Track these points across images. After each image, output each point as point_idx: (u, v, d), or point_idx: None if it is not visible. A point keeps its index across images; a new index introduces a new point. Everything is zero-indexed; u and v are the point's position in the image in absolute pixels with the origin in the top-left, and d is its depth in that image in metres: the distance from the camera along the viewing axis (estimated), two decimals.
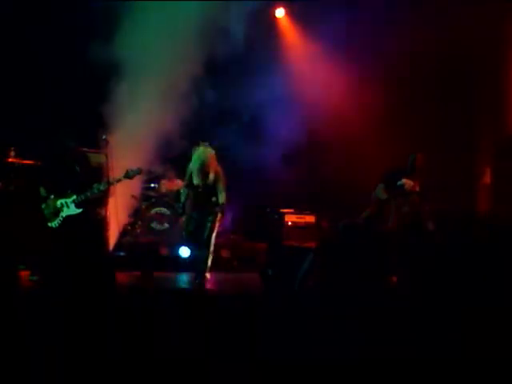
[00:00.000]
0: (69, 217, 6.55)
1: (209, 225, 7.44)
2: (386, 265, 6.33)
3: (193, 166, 7.50)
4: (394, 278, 6.40)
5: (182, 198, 7.65)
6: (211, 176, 7.41)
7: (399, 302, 5.40)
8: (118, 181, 6.73)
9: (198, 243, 7.54)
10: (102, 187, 6.59)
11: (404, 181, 7.76)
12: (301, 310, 5.20)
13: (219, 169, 7.51)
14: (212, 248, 7.51)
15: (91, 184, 6.58)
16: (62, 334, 4.28)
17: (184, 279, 8.21)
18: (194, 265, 7.67)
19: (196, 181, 7.46)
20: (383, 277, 6.20)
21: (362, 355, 4.12)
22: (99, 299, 5.32)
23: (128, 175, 6.73)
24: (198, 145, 7.57)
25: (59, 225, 6.53)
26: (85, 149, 7.46)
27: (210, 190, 7.44)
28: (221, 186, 7.43)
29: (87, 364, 3.91)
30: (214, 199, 7.41)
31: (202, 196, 7.46)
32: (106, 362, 3.96)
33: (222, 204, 7.40)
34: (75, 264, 6.27)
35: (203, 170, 7.41)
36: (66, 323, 4.44)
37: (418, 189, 7.75)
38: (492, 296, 5.15)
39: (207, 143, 7.54)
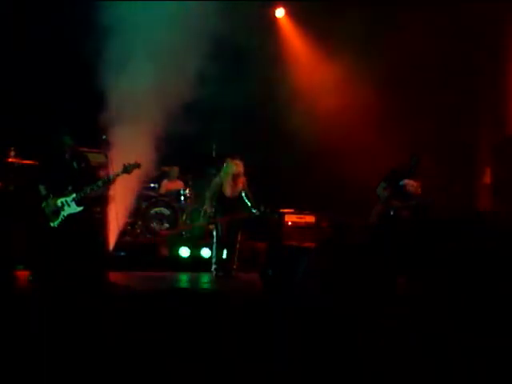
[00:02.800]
0: (70, 215, 6.54)
1: (236, 229, 8.17)
2: (392, 266, 6.31)
3: (224, 178, 8.13)
4: (402, 280, 6.34)
5: (208, 208, 8.18)
6: (240, 187, 8.11)
7: (403, 304, 5.40)
8: (117, 175, 6.70)
9: (227, 246, 8.18)
10: (101, 184, 6.59)
11: (406, 181, 7.72)
12: (301, 309, 5.19)
13: (245, 179, 8.20)
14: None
15: (90, 182, 6.57)
16: (59, 333, 4.28)
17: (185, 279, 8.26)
18: (223, 265, 8.19)
19: (227, 191, 8.09)
20: (390, 279, 6.16)
21: (362, 355, 4.12)
22: (96, 297, 5.33)
23: (126, 170, 6.70)
24: (230, 158, 8.19)
25: (61, 224, 6.52)
26: (85, 148, 7.47)
27: (238, 198, 8.12)
28: (249, 194, 8.15)
29: (83, 362, 3.91)
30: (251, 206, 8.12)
31: (231, 204, 8.11)
32: (103, 361, 3.96)
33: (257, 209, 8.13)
34: (75, 263, 6.27)
35: (235, 182, 8.08)
36: (63, 321, 4.44)
37: (420, 191, 7.70)
38: (493, 296, 5.15)
39: (237, 157, 8.17)
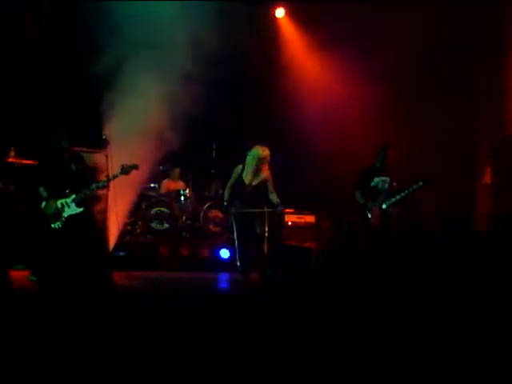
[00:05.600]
0: (71, 216, 6.55)
1: (260, 222, 7.44)
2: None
3: (248, 163, 7.52)
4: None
5: (226, 196, 7.62)
6: (263, 176, 7.52)
7: (401, 303, 5.41)
8: (115, 176, 6.74)
9: (247, 240, 7.53)
10: (100, 185, 6.62)
11: (377, 180, 7.75)
12: (301, 308, 5.20)
13: (269, 169, 7.61)
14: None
15: (89, 182, 6.59)
16: (59, 333, 4.28)
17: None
18: (245, 261, 7.53)
19: (248, 179, 7.52)
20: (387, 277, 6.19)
21: (361, 355, 4.12)
22: (97, 298, 5.33)
23: (124, 170, 6.74)
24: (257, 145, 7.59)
25: (62, 225, 6.52)
26: (84, 148, 7.49)
27: (259, 189, 7.53)
28: (272, 186, 7.55)
29: (82, 363, 3.91)
30: (272, 199, 7.52)
31: (252, 194, 7.50)
32: (101, 362, 3.96)
33: (279, 202, 7.53)
34: (76, 264, 6.28)
35: (258, 169, 7.48)
36: (64, 323, 4.44)
37: (395, 184, 7.72)
38: (492, 295, 5.16)
39: (264, 144, 7.59)
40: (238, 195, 7.55)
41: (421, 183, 7.50)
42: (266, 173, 7.53)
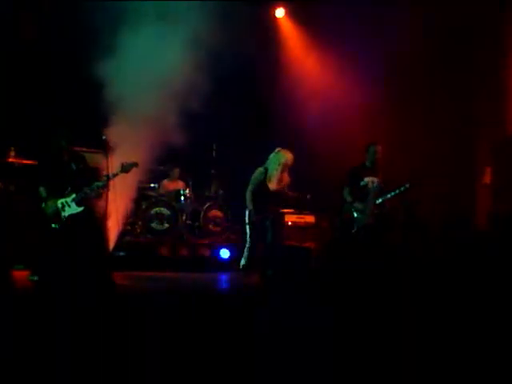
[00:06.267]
0: (71, 216, 6.55)
1: (272, 227, 7.35)
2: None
3: (272, 167, 7.28)
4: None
5: (251, 203, 7.30)
6: (285, 181, 7.34)
7: (400, 301, 5.42)
8: (115, 175, 6.74)
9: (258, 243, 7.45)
10: (100, 184, 6.62)
11: (367, 180, 7.75)
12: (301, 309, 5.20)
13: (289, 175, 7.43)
14: None
15: (90, 182, 6.59)
16: (60, 334, 4.28)
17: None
18: (251, 260, 7.47)
19: (273, 184, 7.29)
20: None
21: (362, 358, 4.12)
22: (99, 299, 5.33)
23: (124, 169, 6.75)
24: (281, 148, 7.41)
25: (63, 225, 6.53)
26: (84, 148, 7.49)
27: (279, 194, 7.35)
28: (288, 189, 7.40)
29: (83, 364, 3.91)
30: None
31: (273, 200, 7.32)
32: (102, 363, 3.96)
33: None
34: (77, 263, 6.29)
35: (282, 174, 7.27)
36: (65, 323, 4.44)
37: (382, 184, 7.73)
38: (493, 295, 5.16)
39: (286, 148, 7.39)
40: (258, 200, 7.28)
41: (407, 185, 7.52)
42: (287, 178, 7.34)
